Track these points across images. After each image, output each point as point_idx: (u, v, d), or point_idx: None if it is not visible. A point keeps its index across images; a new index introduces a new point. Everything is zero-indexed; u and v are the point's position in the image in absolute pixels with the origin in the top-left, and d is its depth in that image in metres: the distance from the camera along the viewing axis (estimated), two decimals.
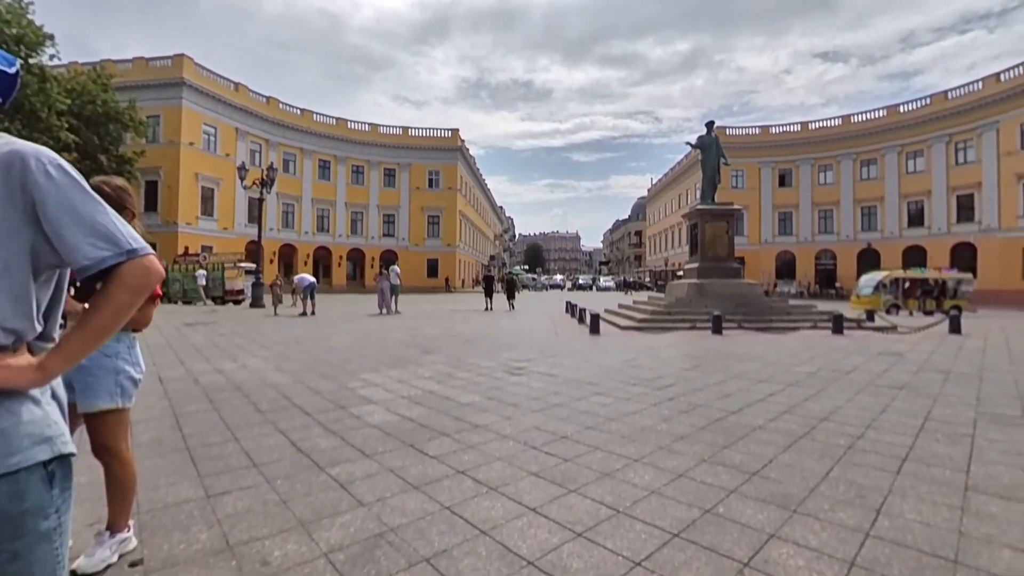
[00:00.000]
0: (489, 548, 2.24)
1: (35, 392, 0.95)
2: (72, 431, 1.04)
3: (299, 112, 41.00)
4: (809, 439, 3.84)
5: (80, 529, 2.29)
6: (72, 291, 1.95)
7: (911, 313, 20.61)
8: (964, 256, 31.72)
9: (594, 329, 11.75)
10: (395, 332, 11.66)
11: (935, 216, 34.60)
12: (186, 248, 27.82)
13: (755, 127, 44.66)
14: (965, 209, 33.07)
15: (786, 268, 42.12)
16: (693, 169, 40.58)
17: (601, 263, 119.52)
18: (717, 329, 11.55)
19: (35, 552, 0.91)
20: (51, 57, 21.24)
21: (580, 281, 66.79)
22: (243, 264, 24.95)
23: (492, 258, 65.97)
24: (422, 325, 13.52)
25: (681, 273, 18.74)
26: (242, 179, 21.11)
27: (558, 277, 76.63)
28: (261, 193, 21.10)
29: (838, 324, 12.16)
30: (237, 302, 22.89)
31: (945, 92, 34.67)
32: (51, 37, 20.82)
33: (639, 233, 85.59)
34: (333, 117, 43.50)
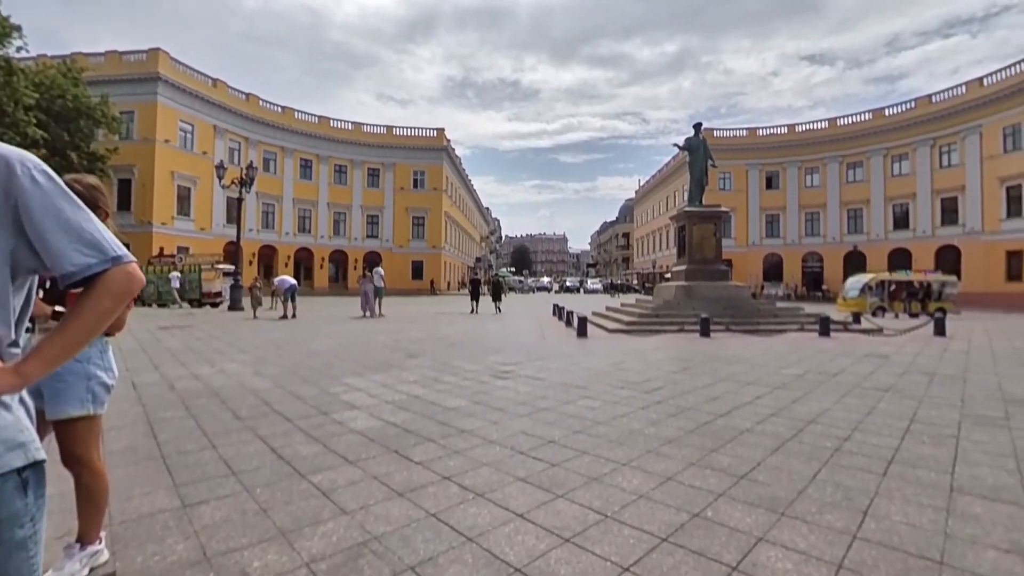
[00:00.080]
0: (476, 555, 2.23)
1: (5, 398, 0.94)
2: (40, 439, 1.03)
3: (280, 110, 40.60)
4: (796, 441, 3.90)
5: (49, 542, 2.22)
6: (40, 294, 1.91)
7: (897, 315, 21.06)
8: (948, 259, 32.52)
9: (581, 332, 11.80)
10: (379, 335, 11.58)
11: (920, 219, 35.42)
12: (161, 249, 27.33)
13: (742, 129, 45.33)
14: (949, 212, 33.91)
15: (773, 270, 42.76)
16: (681, 171, 41.03)
17: (589, 265, 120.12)
18: (705, 332, 11.67)
19: (11, 561, 0.90)
20: (18, 49, 20.73)
21: (568, 283, 67.03)
22: (221, 266, 24.59)
23: (478, 260, 65.93)
24: (406, 328, 13.45)
25: (669, 275, 18.92)
26: (220, 178, 20.82)
27: (545, 279, 76.79)
28: (240, 193, 20.83)
29: (825, 326, 12.37)
30: (215, 305, 22.55)
31: (929, 96, 35.56)
32: (18, 28, 20.35)
33: (627, 235, 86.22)
34: (315, 115, 43.16)
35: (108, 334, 2.19)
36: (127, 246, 1.02)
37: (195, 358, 7.97)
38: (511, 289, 50.24)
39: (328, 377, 6.49)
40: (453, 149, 51.84)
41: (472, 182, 68.63)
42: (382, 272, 18.64)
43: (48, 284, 1.96)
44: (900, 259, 34.58)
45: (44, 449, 1.01)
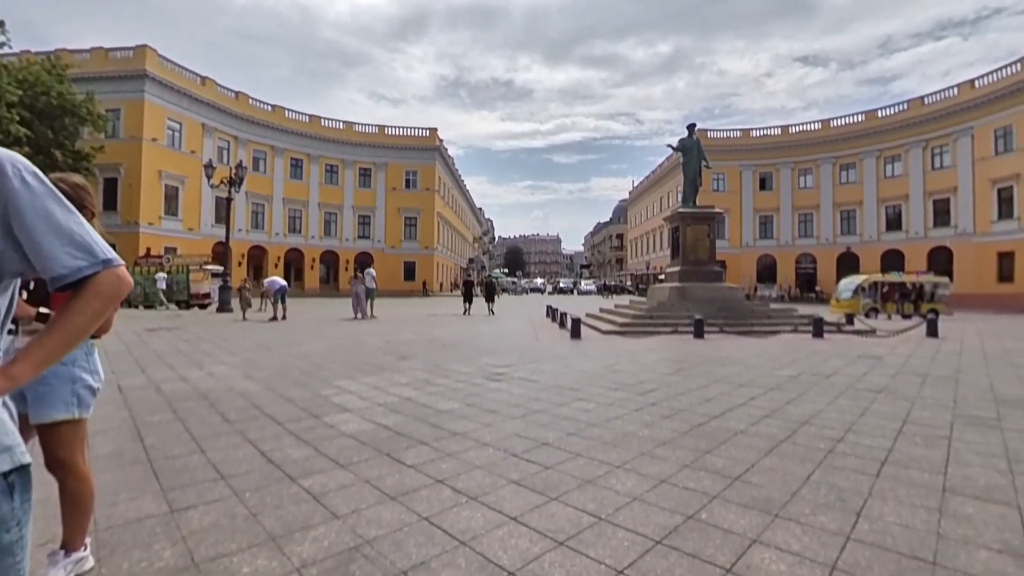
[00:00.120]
0: (469, 559, 2.23)
1: None
2: (24, 443, 1.03)
3: (270, 108, 40.40)
4: (790, 443, 3.93)
5: (32, 549, 2.20)
6: (24, 295, 1.89)
7: (889, 317, 21.27)
8: (941, 260, 32.90)
9: (575, 334, 11.82)
10: (370, 337, 11.54)
11: (912, 220, 35.82)
12: (148, 249, 27.09)
13: (736, 130, 45.65)
14: (941, 214, 34.32)
15: (767, 272, 43.07)
16: (674, 172, 41.27)
17: (582, 266, 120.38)
18: (699, 333, 11.73)
19: None
20: (1, 45, 20.52)
21: (561, 285, 67.14)
22: (210, 266, 24.43)
23: (471, 261, 65.85)
24: (399, 330, 13.41)
25: (663, 277, 19.00)
26: (209, 177, 20.70)
27: (539, 281, 76.85)
28: (229, 192, 20.70)
29: (818, 328, 12.47)
30: (203, 306, 22.38)
31: (922, 98, 36.00)
32: (1, 24, 20.13)
33: (620, 236, 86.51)
34: (306, 114, 42.99)
35: (95, 336, 2.17)
36: (113, 246, 1.03)
37: (183, 360, 7.90)
38: (504, 290, 50.24)
39: (319, 380, 6.46)
40: (446, 149, 51.81)
41: (465, 182, 68.61)
42: (374, 273, 18.60)
43: (32, 285, 1.94)
44: (893, 260, 34.95)
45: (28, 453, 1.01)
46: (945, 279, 23.95)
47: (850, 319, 14.93)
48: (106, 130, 26.84)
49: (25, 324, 1.85)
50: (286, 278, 27.30)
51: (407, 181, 46.21)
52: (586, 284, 64.29)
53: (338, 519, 2.60)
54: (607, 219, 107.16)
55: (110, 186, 28.96)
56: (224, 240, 21.70)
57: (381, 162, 45.24)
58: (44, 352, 0.95)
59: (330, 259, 43.83)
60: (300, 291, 38.05)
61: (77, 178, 2.05)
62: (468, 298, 21.85)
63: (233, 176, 20.79)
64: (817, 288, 39.41)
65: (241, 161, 23.72)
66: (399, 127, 46.90)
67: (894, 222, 37.22)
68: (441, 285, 50.49)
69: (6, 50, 21.13)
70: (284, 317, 16.11)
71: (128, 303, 21.15)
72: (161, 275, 22.26)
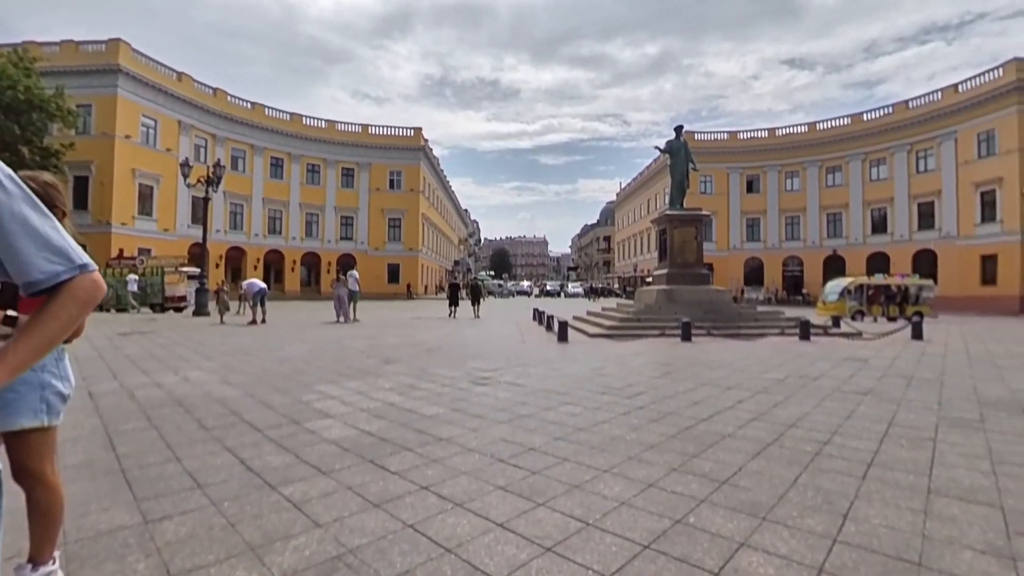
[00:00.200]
0: (455, 567, 2.22)
1: None
2: None
3: (249, 106, 40.00)
4: (778, 446, 3.99)
5: None
6: None
7: (875, 319, 21.69)
8: (925, 263, 33.67)
9: (562, 337, 11.86)
10: (353, 341, 11.46)
11: (898, 223, 36.61)
12: (120, 251, 26.55)
13: (723, 132, 46.37)
14: (926, 216, 35.14)
15: (754, 274, 43.68)
16: (662, 174, 41.66)
17: (569, 269, 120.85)
18: (686, 336, 11.84)
19: None
20: None
21: (548, 287, 67.35)
22: (186, 268, 24.04)
23: (456, 263, 65.77)
24: (382, 334, 13.33)
25: (650, 279, 19.16)
26: (185, 176, 20.37)
27: (525, 283, 76.98)
28: (207, 192, 20.41)
29: (805, 330, 12.67)
30: (179, 310, 22.03)
31: (906, 101, 36.87)
32: None
33: (608, 238, 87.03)
34: (287, 112, 42.66)
35: (66, 341, 2.13)
36: (84, 247, 1.03)
37: (157, 366, 7.77)
38: (490, 293, 50.27)
39: (300, 385, 6.39)
40: (431, 149, 51.74)
41: (450, 183, 68.56)
42: (357, 275, 18.47)
43: (2, 289, 1.90)
44: (879, 263, 35.67)
45: None
46: (929, 282, 24.50)
47: (836, 322, 15.19)
48: (77, 126, 26.31)
49: None
50: (266, 280, 27.01)
51: (391, 181, 46.04)
52: (573, 287, 64.60)
53: (320, 528, 2.57)
54: (594, 221, 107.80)
55: (81, 184, 28.39)
56: (201, 241, 21.40)
57: (364, 162, 45.01)
58: (18, 358, 0.94)
59: (311, 261, 43.46)
60: (280, 294, 37.65)
61: (47, 176, 2.01)
62: (454, 301, 21.81)
63: (211, 175, 20.50)
64: (804, 291, 40.07)
65: (219, 160, 23.42)
66: (383, 126, 46.76)
67: (879, 225, 38.02)
68: (426, 288, 50.32)
69: None
70: (264, 321, 15.92)
71: (100, 307, 20.72)
72: (132, 277, 21.83)
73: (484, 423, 4.64)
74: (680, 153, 17.21)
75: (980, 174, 31.54)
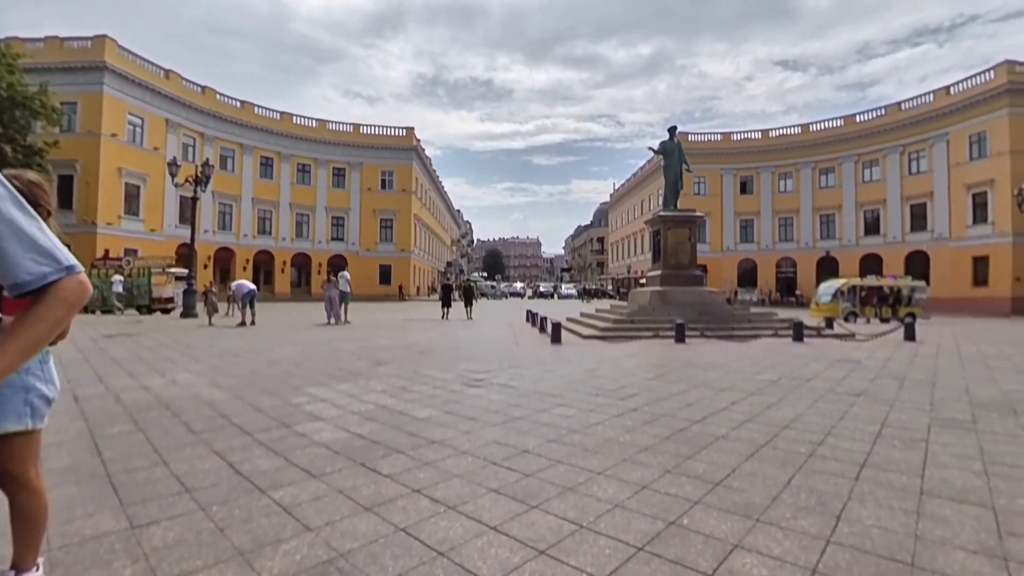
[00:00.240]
0: (447, 570, 2.22)
1: None
2: None
3: (238, 104, 39.77)
4: (771, 447, 4.02)
5: None
6: None
7: (868, 320, 21.89)
8: (918, 264, 34.04)
9: (555, 339, 11.88)
10: (344, 343, 11.41)
11: (890, 225, 37.00)
12: (106, 251, 26.32)
13: (717, 134, 46.68)
14: (918, 218, 35.54)
15: (748, 276, 43.98)
16: (655, 175, 41.87)
17: (563, 270, 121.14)
18: (680, 338, 11.90)
19: None
20: None
21: (541, 289, 67.44)
22: (173, 269, 23.86)
23: (449, 264, 65.72)
24: (374, 335, 13.29)
25: (644, 281, 19.24)
26: (173, 175, 20.22)
27: (518, 285, 77.05)
28: (195, 191, 20.26)
29: (798, 332, 12.77)
30: (166, 311, 21.85)
31: (899, 103, 37.29)
32: None
33: (601, 239, 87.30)
34: (277, 111, 42.45)
35: (51, 343, 2.10)
36: (68, 247, 1.03)
37: (144, 368, 7.70)
38: (483, 295, 50.25)
39: (290, 387, 6.36)
40: (423, 149, 51.67)
41: (443, 184, 68.48)
42: (348, 276, 18.40)
43: None
44: (871, 264, 36.02)
45: None
46: (922, 283, 24.77)
47: (830, 323, 15.31)
48: (61, 124, 26.07)
49: None
50: (255, 281, 26.78)
51: (383, 182, 45.93)
52: (567, 288, 64.76)
53: (311, 532, 2.56)
54: (588, 222, 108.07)
55: (65, 184, 28.09)
56: (189, 242, 21.25)
57: (356, 162, 44.88)
58: (5, 360, 0.94)
59: (302, 262, 43.25)
60: (270, 295, 37.45)
61: (32, 175, 1.99)
62: (446, 302, 21.78)
63: (199, 174, 20.35)
64: (797, 292, 40.35)
65: (208, 159, 23.28)
66: (375, 126, 46.68)
67: (872, 226, 38.40)
68: (418, 289, 50.22)
69: None
70: (253, 322, 15.82)
71: (85, 308, 20.47)
72: (117, 277, 21.62)
73: (477, 425, 4.64)
74: (674, 154, 17.29)
75: (972, 176, 31.94)
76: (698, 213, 17.68)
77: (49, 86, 24.22)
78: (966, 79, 32.87)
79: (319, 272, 41.10)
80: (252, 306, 16.11)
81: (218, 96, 38.29)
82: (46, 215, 1.95)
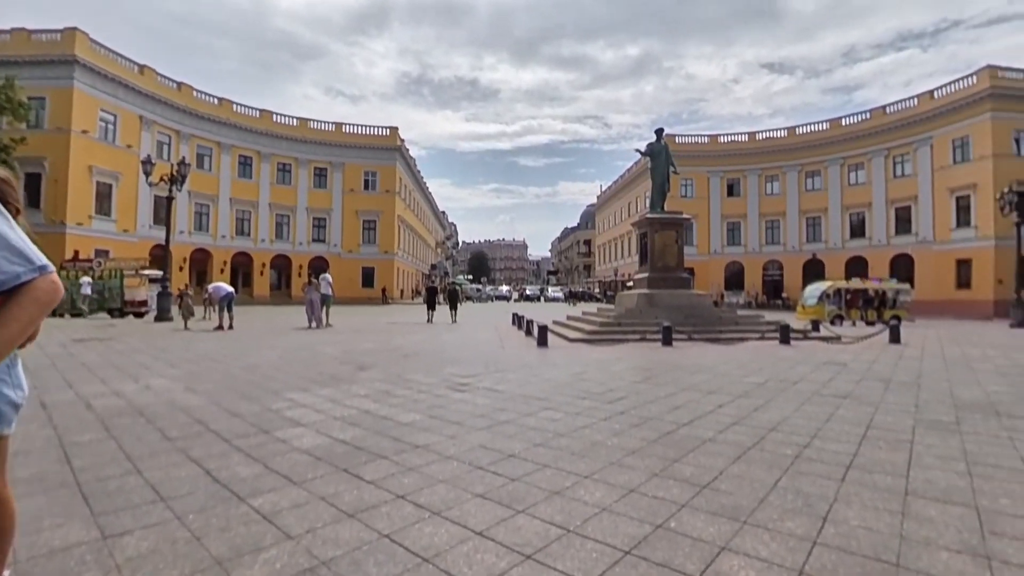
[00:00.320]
0: None
1: None
2: None
3: (216, 101, 39.30)
4: (758, 450, 4.07)
5: None
6: None
7: (854, 323, 22.27)
8: (903, 267, 34.74)
9: (542, 342, 11.91)
10: (326, 347, 11.32)
11: (875, 228, 37.74)
12: (76, 252, 25.78)
13: (704, 136, 47.24)
14: (903, 221, 36.31)
15: (735, 278, 44.54)
16: (643, 177, 42.22)
17: (549, 273, 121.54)
18: (667, 341, 12.00)
19: None
20: None
21: (528, 292, 67.62)
22: (147, 271, 23.44)
23: (434, 267, 65.52)
24: (357, 339, 13.20)
25: (631, 283, 19.38)
26: (147, 174, 19.92)
27: (504, 288, 77.09)
28: (170, 191, 19.99)
29: (785, 335, 12.96)
30: (139, 315, 21.47)
31: (884, 107, 38.11)
32: None
33: (588, 242, 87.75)
34: (256, 109, 42.01)
35: (19, 346, 2.06)
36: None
37: (116, 374, 7.55)
38: (468, 298, 50.17)
39: (270, 392, 6.29)
40: (407, 149, 51.52)
41: (427, 185, 68.31)
42: (330, 279, 18.26)
43: None
44: (857, 267, 36.68)
45: None
46: (907, 286, 25.27)
47: (816, 326, 15.56)
48: (28, 120, 25.46)
49: None
50: (233, 284, 26.43)
51: (366, 182, 45.66)
52: (553, 291, 64.99)
53: (291, 539, 2.54)
54: (575, 224, 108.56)
55: (32, 181, 27.42)
56: (164, 243, 20.93)
57: (338, 162, 44.58)
58: None
59: (282, 264, 42.80)
60: (249, 298, 37.00)
61: (1, 172, 1.96)
62: (431, 305, 21.72)
63: (175, 173, 20.09)
64: (784, 295, 40.92)
65: (184, 157, 22.99)
66: (358, 125, 46.43)
67: (858, 229, 39.14)
68: (402, 292, 49.98)
69: None
70: (231, 326, 15.61)
71: (53, 312, 20.02)
72: (85, 279, 21.17)
73: (462, 430, 4.63)
74: (661, 156, 17.46)
75: (955, 180, 32.73)
76: (685, 215, 17.87)
77: (16, 80, 23.66)
78: (949, 83, 33.71)
79: (300, 275, 40.69)
80: (230, 309, 15.90)
81: (195, 93, 37.80)
82: (15, 212, 1.91)
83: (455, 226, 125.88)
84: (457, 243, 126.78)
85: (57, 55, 28.54)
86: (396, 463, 3.71)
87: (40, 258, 1.01)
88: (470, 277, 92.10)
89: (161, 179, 20.05)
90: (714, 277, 42.93)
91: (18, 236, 1.00)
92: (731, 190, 45.46)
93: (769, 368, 8.67)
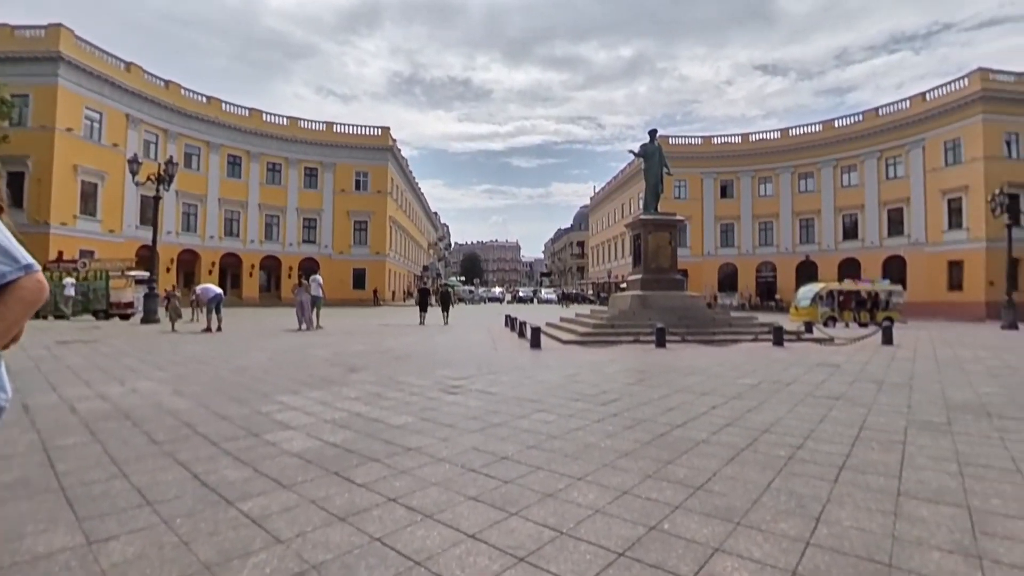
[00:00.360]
0: None
1: None
2: None
3: (205, 100, 39.02)
4: (751, 451, 4.10)
5: None
6: None
7: (847, 325, 22.46)
8: (895, 269, 35.08)
9: (535, 344, 11.92)
10: (317, 349, 11.27)
11: (868, 229, 38.09)
12: (60, 253, 25.47)
13: (697, 137, 47.53)
14: (895, 223, 36.67)
15: (728, 280, 44.81)
16: (636, 178, 42.43)
17: (542, 274, 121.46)
18: (661, 342, 12.05)
19: None
20: None
21: (520, 293, 67.62)
22: (133, 272, 23.22)
23: (426, 268, 65.39)
24: (348, 341, 13.15)
25: (624, 285, 19.45)
26: (134, 174, 19.75)
27: (497, 290, 77.06)
28: (158, 191, 19.83)
29: (778, 336, 13.05)
30: (125, 317, 21.27)
31: (876, 109, 38.50)
32: None
33: (581, 243, 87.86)
34: (245, 108, 41.73)
35: (3, 347, 2.04)
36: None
37: (101, 376, 7.48)
38: (460, 300, 50.08)
39: (259, 395, 6.25)
40: (399, 149, 51.40)
41: (419, 185, 68.21)
42: (320, 280, 18.17)
43: None
44: (850, 269, 37.00)
45: None
46: (899, 287, 25.54)
47: (809, 327, 15.69)
48: (11, 117, 25.16)
49: None
50: (222, 286, 26.25)
51: (357, 182, 45.50)
52: (546, 293, 64.94)
53: (281, 543, 2.52)
54: (568, 225, 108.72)
55: (15, 180, 27.06)
56: (151, 243, 20.74)
57: (329, 162, 44.39)
58: None
59: (271, 265, 42.53)
60: (237, 300, 36.71)
61: None
62: (423, 307, 21.68)
63: (162, 173, 19.93)
64: (777, 296, 41.22)
65: (172, 156, 22.81)
66: (349, 125, 46.23)
67: (851, 231, 39.50)
68: (394, 294, 49.84)
69: None
70: (219, 328, 15.50)
71: (37, 313, 19.79)
72: (69, 280, 20.91)
73: (455, 432, 4.63)
74: (654, 157, 17.54)
75: (947, 182, 33.11)
76: (679, 217, 17.95)
77: None
78: (941, 86, 34.12)
79: (289, 276, 40.40)
80: (218, 311, 15.79)
81: (183, 91, 37.51)
82: None
83: (447, 227, 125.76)
84: (449, 244, 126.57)
85: (41, 52, 28.22)
86: (388, 466, 3.70)
87: (25, 257, 1.01)
88: (463, 279, 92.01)
89: (148, 178, 19.88)
90: (708, 279, 43.17)
91: (3, 235, 1.00)
92: (724, 191, 45.75)
93: (762, 370, 8.72)
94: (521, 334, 14.54)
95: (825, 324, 20.79)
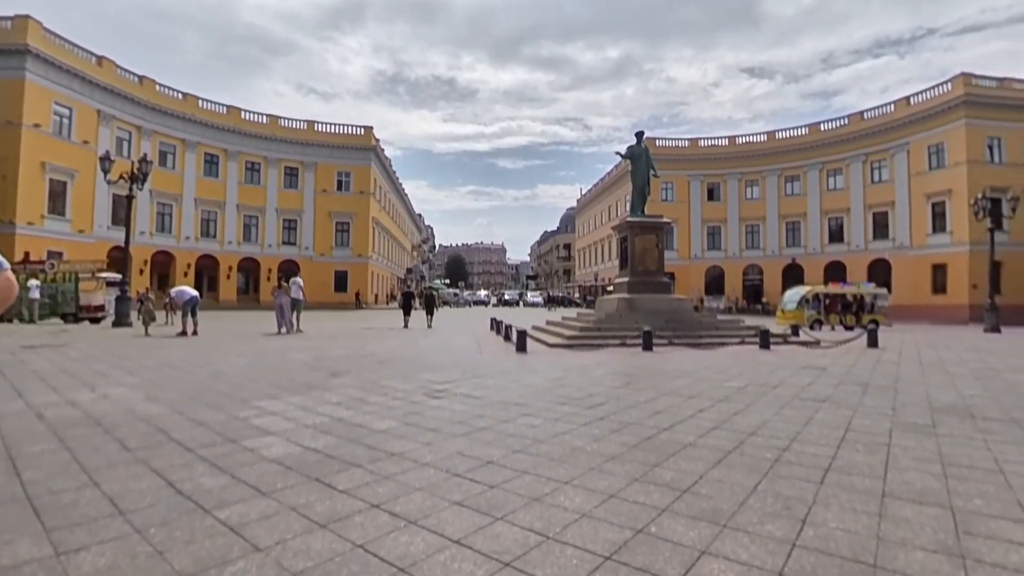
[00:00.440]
0: None
1: None
2: None
3: (180, 96, 38.46)
4: (738, 454, 4.15)
5: None
6: None
7: (833, 328, 22.87)
8: (880, 272, 35.77)
9: (521, 347, 11.94)
10: (297, 353, 11.16)
11: (854, 233, 38.82)
12: (26, 254, 24.88)
13: (684, 140, 48.07)
14: (880, 227, 37.42)
15: (715, 283, 45.34)
16: (623, 180, 42.77)
17: (528, 277, 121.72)
18: (647, 345, 12.14)
19: None
20: None
21: (506, 296, 67.61)
22: (104, 274, 22.79)
23: (409, 271, 65.18)
24: (329, 345, 13.04)
25: (611, 288, 19.56)
26: (106, 172, 19.40)
27: (482, 293, 77.01)
28: (131, 189, 19.51)
29: (765, 339, 13.23)
30: (96, 320, 20.86)
31: (861, 113, 39.30)
32: None
33: (568, 246, 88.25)
34: (223, 105, 41.23)
35: None
36: None
37: (71, 382, 7.33)
38: (445, 303, 49.92)
39: (237, 400, 6.17)
40: (383, 149, 51.21)
41: (403, 186, 67.96)
42: (301, 283, 17.99)
43: None
44: (836, 272, 37.64)
45: None
46: (884, 290, 26.06)
47: (795, 330, 15.92)
48: None
49: None
50: (198, 288, 25.84)
51: (339, 183, 45.18)
52: (532, 296, 65.06)
53: (260, 552, 2.50)
54: (554, 228, 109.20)
55: None
56: (123, 244, 20.39)
57: (310, 161, 44.04)
58: None
59: (249, 267, 42.03)
60: (214, 303, 36.19)
61: None
62: (407, 310, 21.59)
63: (135, 171, 19.61)
64: (764, 299, 41.79)
65: (145, 154, 22.46)
66: (331, 124, 45.90)
67: (836, 234, 40.21)
68: (376, 297, 49.54)
69: None
70: (195, 332, 15.28)
71: (1, 317, 19.34)
72: (34, 282, 20.40)
73: (439, 437, 4.62)
74: (641, 159, 17.67)
75: (931, 185, 33.87)
76: (666, 219, 18.10)
77: None
78: (925, 90, 34.94)
79: (269, 278, 39.96)
80: (194, 315, 15.56)
81: (158, 87, 36.96)
82: None
83: (432, 229, 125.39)
84: (434, 246, 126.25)
85: (7, 44, 27.60)
86: (370, 471, 3.68)
87: None
88: (447, 281, 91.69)
89: (121, 177, 19.55)
90: (694, 281, 43.60)
91: None
92: (711, 194, 46.29)
93: (749, 372, 8.83)
94: (507, 337, 14.55)
95: (811, 327, 21.12)
